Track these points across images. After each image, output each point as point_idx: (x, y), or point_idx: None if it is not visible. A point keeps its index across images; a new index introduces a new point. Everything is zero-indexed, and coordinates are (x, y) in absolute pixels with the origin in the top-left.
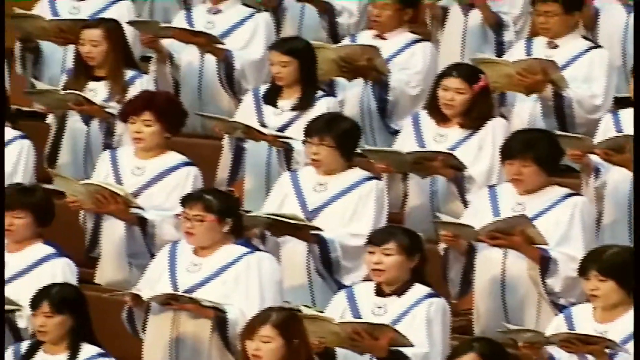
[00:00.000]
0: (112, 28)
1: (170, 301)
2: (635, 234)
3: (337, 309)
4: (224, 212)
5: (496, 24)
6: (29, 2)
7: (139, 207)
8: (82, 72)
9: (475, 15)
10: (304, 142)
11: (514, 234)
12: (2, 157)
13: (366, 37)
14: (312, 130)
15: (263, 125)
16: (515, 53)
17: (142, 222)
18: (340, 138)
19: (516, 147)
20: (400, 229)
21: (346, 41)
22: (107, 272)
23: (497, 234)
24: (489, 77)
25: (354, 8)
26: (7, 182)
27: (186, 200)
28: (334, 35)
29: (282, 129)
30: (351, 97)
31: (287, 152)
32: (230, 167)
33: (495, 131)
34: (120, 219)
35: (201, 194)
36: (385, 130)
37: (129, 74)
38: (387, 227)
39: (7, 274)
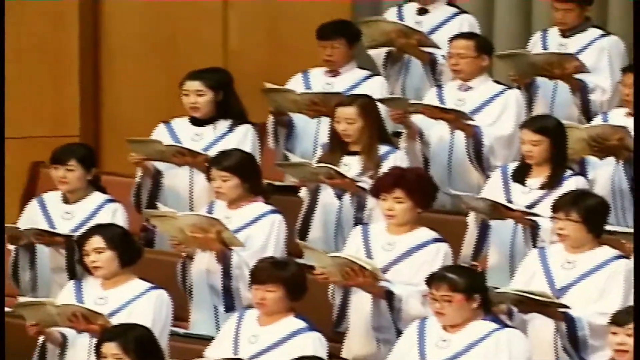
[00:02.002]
0: (366, 105)
1: None
2: (636, 239)
3: None
4: (470, 289)
5: None
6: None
7: (387, 281)
8: (338, 147)
9: None
10: (551, 218)
11: None
12: (2, 164)
13: (618, 115)
14: (559, 205)
15: (510, 202)
16: None
17: (389, 296)
18: (587, 214)
19: None
20: None
21: (598, 119)
22: (354, 346)
23: None
24: None
25: (607, 85)
26: (257, 256)
27: (431, 281)
28: (586, 112)
29: (529, 207)
30: (602, 176)
31: (533, 230)
32: (475, 243)
33: None
34: (367, 292)
35: (445, 273)
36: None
37: (382, 149)
38: (629, 307)
39: (259, 347)
